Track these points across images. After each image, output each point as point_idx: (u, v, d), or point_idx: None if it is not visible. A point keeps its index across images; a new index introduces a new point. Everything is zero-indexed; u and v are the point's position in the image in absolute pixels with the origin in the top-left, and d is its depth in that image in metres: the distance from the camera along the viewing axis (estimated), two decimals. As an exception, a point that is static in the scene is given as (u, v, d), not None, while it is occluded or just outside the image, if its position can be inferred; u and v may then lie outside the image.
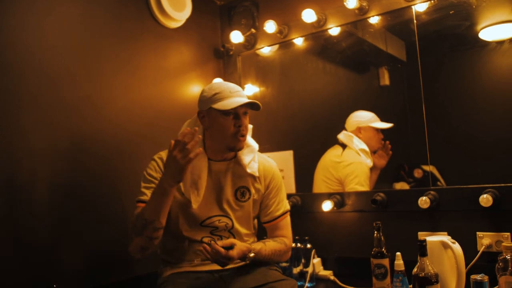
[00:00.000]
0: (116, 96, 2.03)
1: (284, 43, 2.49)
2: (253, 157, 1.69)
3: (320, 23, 2.32)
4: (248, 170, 1.67)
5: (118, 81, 2.04)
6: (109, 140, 1.97)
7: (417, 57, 2.06)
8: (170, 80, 2.33)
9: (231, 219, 1.66)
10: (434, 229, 1.96)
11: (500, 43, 1.87)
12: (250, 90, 2.64)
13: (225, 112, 1.54)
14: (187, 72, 2.47)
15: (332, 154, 2.31)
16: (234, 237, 1.67)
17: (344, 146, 2.26)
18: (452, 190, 1.92)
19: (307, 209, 2.32)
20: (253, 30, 2.55)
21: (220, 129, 1.55)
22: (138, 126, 2.10)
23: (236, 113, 1.56)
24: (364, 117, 2.21)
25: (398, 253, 1.70)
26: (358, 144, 2.21)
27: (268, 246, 1.65)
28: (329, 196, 2.25)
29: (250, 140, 1.74)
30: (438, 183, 1.99)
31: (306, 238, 2.16)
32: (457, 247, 1.66)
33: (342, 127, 2.31)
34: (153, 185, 1.55)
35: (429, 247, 1.57)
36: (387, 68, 2.22)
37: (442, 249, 1.68)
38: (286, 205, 1.77)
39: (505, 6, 1.86)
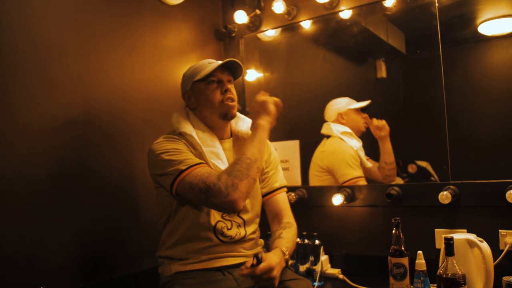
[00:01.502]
0: (110, 76, 1.91)
1: (291, 25, 2.38)
2: (249, 127, 1.63)
3: (333, 4, 2.19)
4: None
5: (113, 60, 1.93)
6: (102, 123, 1.87)
7: (438, 44, 1.95)
8: (169, 61, 2.22)
9: None
10: (453, 226, 1.88)
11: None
12: (253, 76, 2.54)
13: (208, 81, 1.54)
14: (187, 53, 2.35)
15: (319, 146, 2.32)
16: (244, 222, 1.60)
17: (327, 137, 2.28)
18: (474, 185, 1.83)
19: (314, 203, 2.22)
20: (257, 11, 2.42)
21: (207, 100, 1.55)
22: (133, 109, 2.00)
23: (219, 79, 1.56)
24: (341, 103, 2.25)
25: (420, 252, 1.60)
26: (339, 128, 2.22)
27: (287, 237, 1.56)
28: (338, 189, 2.16)
29: (241, 115, 1.72)
30: (432, 178, 1.99)
31: (315, 234, 2.07)
32: (485, 246, 1.56)
33: None
34: (186, 152, 1.47)
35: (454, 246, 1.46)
36: (384, 60, 2.22)
37: (468, 248, 1.58)
38: (284, 181, 1.76)
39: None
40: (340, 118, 2.24)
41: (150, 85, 2.11)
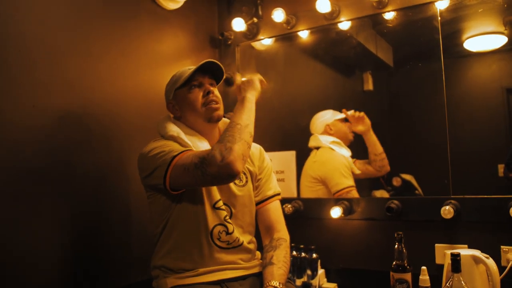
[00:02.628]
0: (104, 79, 1.85)
1: (289, 35, 2.35)
2: None
3: (333, 15, 2.16)
4: None
5: (107, 63, 1.87)
6: (94, 128, 1.80)
7: (440, 56, 1.94)
8: (163, 66, 2.16)
9: (230, 208, 1.56)
10: (453, 242, 1.85)
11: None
12: None
13: (189, 86, 1.53)
14: (182, 59, 2.30)
15: (310, 157, 2.31)
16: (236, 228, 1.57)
17: (317, 148, 2.27)
18: (475, 199, 1.81)
19: (310, 215, 2.18)
20: (255, 20, 2.38)
21: (190, 105, 1.53)
22: (127, 114, 1.94)
23: (200, 83, 1.55)
24: (327, 114, 2.28)
25: (424, 268, 1.59)
26: (328, 139, 2.23)
27: (278, 261, 1.51)
28: (336, 201, 2.12)
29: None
30: (416, 191, 2.01)
31: (312, 247, 2.02)
32: (491, 262, 1.53)
33: None
34: (174, 145, 1.46)
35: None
36: (371, 73, 2.26)
37: (474, 264, 1.55)
38: (277, 188, 1.71)
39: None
40: (328, 130, 2.25)
41: (144, 90, 2.05)
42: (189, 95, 1.52)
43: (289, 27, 2.30)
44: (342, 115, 2.23)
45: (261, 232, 1.65)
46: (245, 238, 1.57)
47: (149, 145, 1.49)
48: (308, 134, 2.34)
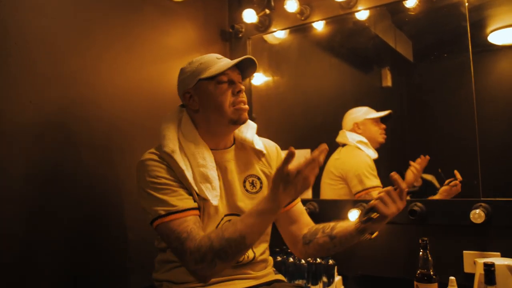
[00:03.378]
0: (105, 75, 1.76)
1: (303, 26, 2.23)
2: (254, 133, 1.52)
3: (350, 4, 2.03)
4: (257, 147, 1.48)
5: (109, 58, 1.78)
6: (94, 128, 1.71)
7: (468, 46, 1.79)
8: (170, 61, 2.07)
9: None
10: (484, 249, 1.70)
11: None
12: (261, 79, 2.40)
13: (218, 80, 1.36)
14: (190, 53, 2.19)
15: (334, 154, 2.21)
16: None
17: (343, 145, 2.18)
18: (509, 203, 1.66)
19: (326, 218, 2.01)
20: (266, 11, 2.26)
21: (216, 102, 1.36)
22: (129, 112, 1.85)
23: (230, 79, 1.38)
24: (358, 112, 2.16)
25: (452, 278, 1.47)
26: (355, 137, 2.13)
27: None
28: (354, 203, 1.98)
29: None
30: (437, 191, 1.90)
31: None
32: (530, 273, 1.37)
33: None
34: (171, 187, 1.30)
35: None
36: (390, 69, 2.17)
37: (510, 276, 1.39)
38: None
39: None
40: (356, 128, 2.15)
41: (149, 87, 1.95)
42: (216, 91, 1.36)
43: (302, 18, 2.19)
44: (375, 114, 2.11)
45: (292, 234, 1.49)
46: (258, 250, 1.44)
47: (146, 165, 1.33)
48: (323, 131, 2.27)
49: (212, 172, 1.35)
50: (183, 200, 1.29)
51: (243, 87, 1.40)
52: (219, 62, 1.38)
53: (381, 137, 2.11)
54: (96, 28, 1.74)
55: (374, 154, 2.11)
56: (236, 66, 1.40)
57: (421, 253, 1.48)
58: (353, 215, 1.93)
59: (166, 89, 2.01)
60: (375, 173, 2.06)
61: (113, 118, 1.78)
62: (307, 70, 2.41)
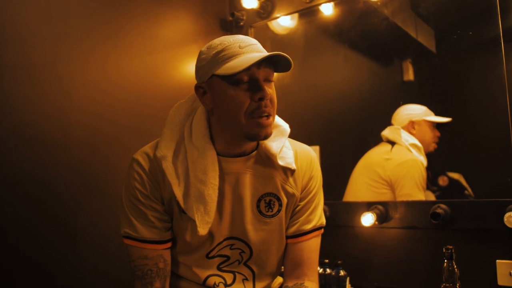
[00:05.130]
0: (91, 70, 1.66)
1: (309, 9, 2.09)
2: (284, 143, 1.25)
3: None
4: (281, 162, 1.21)
5: (95, 50, 1.68)
6: (72, 128, 1.60)
7: (498, 26, 1.57)
8: (165, 54, 1.96)
9: (248, 246, 1.24)
10: (521, 257, 1.53)
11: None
12: None
13: (235, 80, 1.09)
14: (186, 45, 2.08)
15: (380, 151, 2.00)
16: (254, 275, 1.26)
17: (392, 143, 1.97)
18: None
19: (338, 223, 1.91)
20: (269, -5, 2.13)
21: (230, 107, 1.10)
22: (118, 111, 1.74)
23: (253, 79, 1.09)
24: (417, 110, 1.96)
25: None
26: (408, 138, 1.93)
27: None
28: (368, 206, 1.82)
29: (277, 118, 1.28)
30: (466, 191, 1.79)
31: (339, 262, 1.72)
32: None
33: (384, 119, 2.01)
34: (145, 210, 1.18)
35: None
36: (412, 62, 2.03)
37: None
38: (321, 217, 1.31)
39: None
40: (411, 127, 1.96)
41: (138, 83, 1.84)
42: (232, 93, 1.10)
43: (308, 1, 2.05)
44: (435, 118, 1.93)
45: (285, 268, 1.32)
46: (261, 284, 1.28)
47: (135, 158, 1.21)
48: (334, 127, 2.15)
49: (211, 192, 1.15)
50: (152, 230, 1.17)
51: (270, 91, 1.11)
52: (240, 54, 1.09)
53: (432, 146, 1.92)
54: (73, 15, 1.62)
55: (424, 162, 1.92)
56: (267, 60, 1.12)
57: (445, 263, 1.32)
58: (367, 219, 1.77)
59: (158, 85, 1.91)
60: (425, 185, 1.88)
61: (93, 118, 1.65)
62: (316, 61, 2.27)
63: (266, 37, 2.26)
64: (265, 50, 1.14)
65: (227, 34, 2.19)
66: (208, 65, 1.12)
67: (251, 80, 1.09)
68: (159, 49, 1.94)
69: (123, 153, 1.59)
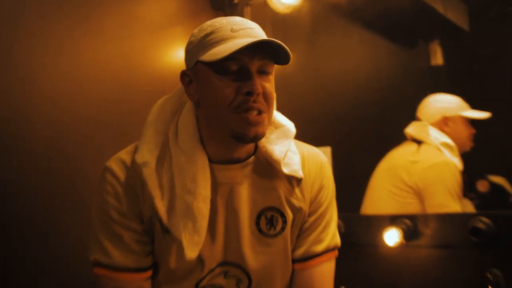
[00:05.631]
0: (54, 61, 1.64)
1: None
2: (289, 147, 1.21)
3: None
4: (286, 170, 1.16)
5: (64, 37, 1.68)
6: (44, 127, 1.60)
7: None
8: (145, 39, 1.99)
9: (246, 273, 1.18)
10: None
11: None
12: None
13: (221, 68, 1.05)
14: (170, 27, 2.10)
15: (404, 152, 1.96)
16: None
17: (418, 142, 1.94)
18: None
19: (355, 241, 1.83)
20: (268, -34, 2.10)
21: (213, 100, 1.08)
22: (92, 107, 1.74)
23: (243, 69, 1.05)
24: (450, 103, 1.93)
25: None
26: (438, 136, 1.89)
27: None
28: (391, 220, 1.73)
29: (279, 117, 1.24)
30: (511, 198, 1.83)
31: None
32: None
33: (408, 113, 2.00)
34: (119, 231, 1.14)
35: None
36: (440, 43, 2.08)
37: None
38: (334, 236, 1.26)
39: None
40: (443, 124, 1.92)
41: (117, 73, 1.89)
42: (217, 83, 1.07)
43: None
44: (473, 114, 1.92)
45: None
46: None
47: (108, 167, 1.17)
48: (347, 123, 2.15)
49: (201, 205, 1.11)
50: (129, 255, 1.12)
51: (266, 85, 1.07)
52: (231, 37, 1.07)
53: (468, 145, 1.90)
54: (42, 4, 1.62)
55: (459, 164, 1.88)
56: (261, 47, 1.07)
57: (490, 291, 1.25)
58: (391, 236, 1.69)
59: (138, 76, 1.90)
60: (460, 192, 1.85)
61: (62, 114, 1.64)
62: (325, 44, 2.29)
63: (265, 17, 2.23)
64: (265, 36, 1.09)
65: (219, 14, 2.31)
66: (194, 49, 1.10)
67: (240, 70, 1.05)
68: (139, 33, 1.93)
69: (97, 155, 1.58)
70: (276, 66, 1.12)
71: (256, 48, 1.02)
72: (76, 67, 1.70)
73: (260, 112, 1.05)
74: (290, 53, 1.04)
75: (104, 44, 1.78)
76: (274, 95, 1.11)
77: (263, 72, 1.06)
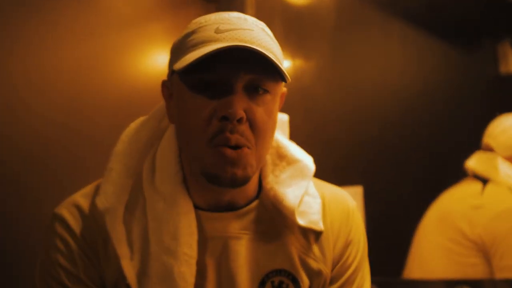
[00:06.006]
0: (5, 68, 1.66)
1: None
2: (306, 189, 1.19)
3: None
4: (302, 222, 1.15)
5: (12, 39, 1.69)
6: None
7: None
8: (112, 38, 1.96)
9: None
10: None
11: None
12: None
13: (194, 81, 1.06)
14: (148, 22, 2.10)
15: (464, 194, 2.01)
16: None
17: (484, 180, 1.98)
18: None
19: None
20: None
21: (186, 126, 1.11)
22: (41, 127, 1.72)
23: (223, 83, 1.04)
24: None
25: None
26: (511, 173, 1.98)
27: None
28: (448, 287, 1.80)
29: (293, 149, 1.23)
30: None
31: None
32: None
33: (469, 140, 2.06)
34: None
35: None
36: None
37: None
38: None
39: None
40: None
41: (75, 82, 1.83)
42: (189, 102, 1.07)
43: None
44: None
45: None
46: None
47: (57, 214, 1.15)
48: (386, 156, 2.22)
49: (184, 270, 1.10)
50: None
51: (255, 109, 1.05)
52: (214, 40, 1.06)
53: None
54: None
55: None
56: (251, 57, 1.05)
57: None
58: None
59: (102, 88, 1.91)
60: None
61: (6, 135, 1.65)
62: (355, 47, 2.35)
63: (274, 12, 2.27)
64: (267, 40, 1.07)
65: (211, 6, 2.40)
66: (173, 52, 1.12)
67: (220, 85, 1.02)
68: (104, 30, 1.95)
69: (52, 189, 1.63)
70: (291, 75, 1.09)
71: (242, 57, 1.01)
72: (26, 74, 1.71)
73: (239, 146, 1.03)
74: (281, 68, 1.02)
75: (61, 45, 1.80)
76: (270, 123, 1.09)
77: (254, 90, 1.03)
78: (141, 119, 1.22)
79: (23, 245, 1.68)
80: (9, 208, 1.69)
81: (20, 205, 1.71)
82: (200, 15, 2.15)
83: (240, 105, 1.01)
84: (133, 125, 1.21)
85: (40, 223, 1.60)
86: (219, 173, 1.04)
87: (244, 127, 1.03)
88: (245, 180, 1.06)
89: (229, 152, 1.02)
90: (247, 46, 0.99)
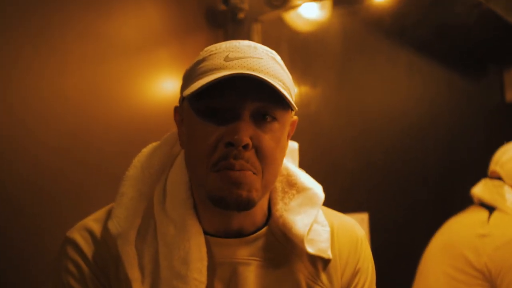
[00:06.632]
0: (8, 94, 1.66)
1: None
2: (315, 217, 1.20)
3: None
4: (310, 250, 1.16)
5: (11, 61, 1.69)
6: None
7: None
8: (119, 64, 1.97)
9: None
10: None
11: None
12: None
13: (202, 108, 1.09)
14: (157, 48, 2.12)
15: (469, 222, 2.00)
16: None
17: (490, 208, 1.96)
18: None
19: None
20: (283, -26, 2.22)
21: (193, 152, 1.14)
22: (49, 155, 1.72)
23: (230, 109, 1.06)
24: None
25: None
26: None
27: None
28: None
29: (303, 177, 1.24)
30: None
31: None
32: None
33: (475, 167, 2.07)
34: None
35: None
36: None
37: None
38: None
39: None
40: None
41: (81, 110, 1.84)
42: (197, 128, 1.10)
43: None
44: None
45: None
46: None
47: (69, 238, 1.17)
48: (391, 183, 2.20)
49: None
50: None
51: (264, 137, 1.07)
52: (223, 68, 1.08)
53: None
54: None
55: None
56: (259, 86, 1.08)
57: None
58: None
59: (110, 115, 1.93)
60: None
61: (13, 165, 1.64)
62: (362, 73, 2.35)
63: (280, 39, 2.29)
64: (276, 69, 1.08)
65: (219, 32, 2.40)
66: (185, 79, 1.15)
67: (227, 112, 1.04)
68: (111, 57, 1.95)
69: (58, 219, 1.64)
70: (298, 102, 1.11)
71: (250, 85, 1.02)
72: (28, 103, 1.71)
73: (239, 177, 1.05)
74: (287, 97, 1.02)
75: (66, 72, 1.80)
76: (278, 151, 1.10)
77: (262, 118, 1.05)
78: (153, 144, 1.24)
79: (25, 273, 1.66)
80: (10, 237, 1.69)
81: (22, 233, 1.70)
82: (207, 41, 2.06)
83: (246, 132, 1.03)
84: (145, 150, 1.23)
85: (42, 252, 1.68)
86: (223, 195, 1.05)
87: (250, 154, 1.04)
88: (250, 203, 1.06)
89: (232, 173, 1.04)
90: (253, 75, 1.01)
